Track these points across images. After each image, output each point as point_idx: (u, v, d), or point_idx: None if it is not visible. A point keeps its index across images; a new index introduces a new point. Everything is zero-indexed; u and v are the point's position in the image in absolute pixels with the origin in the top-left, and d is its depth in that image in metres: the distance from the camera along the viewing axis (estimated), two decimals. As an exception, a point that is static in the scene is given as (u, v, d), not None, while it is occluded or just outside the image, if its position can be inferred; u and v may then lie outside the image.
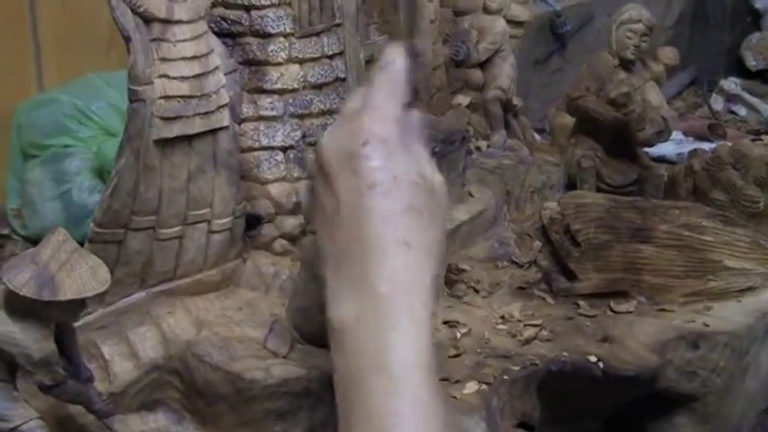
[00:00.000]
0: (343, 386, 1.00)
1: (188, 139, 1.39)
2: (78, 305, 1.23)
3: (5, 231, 2.03)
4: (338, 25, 1.58)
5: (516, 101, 2.07)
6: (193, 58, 1.38)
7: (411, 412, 0.93)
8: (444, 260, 1.01)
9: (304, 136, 1.56)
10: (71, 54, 2.24)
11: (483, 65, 2.02)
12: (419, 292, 0.98)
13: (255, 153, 1.55)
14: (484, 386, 1.38)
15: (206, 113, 1.40)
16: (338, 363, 1.01)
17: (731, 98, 3.35)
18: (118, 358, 1.40)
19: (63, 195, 1.96)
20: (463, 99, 2.00)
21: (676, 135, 2.66)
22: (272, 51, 1.52)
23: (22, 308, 1.20)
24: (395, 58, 1.06)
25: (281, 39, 1.53)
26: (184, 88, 1.37)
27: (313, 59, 1.56)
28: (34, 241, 1.81)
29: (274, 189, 1.56)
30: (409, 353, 0.95)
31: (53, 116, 2.05)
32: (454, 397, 1.35)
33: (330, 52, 1.57)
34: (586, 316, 1.57)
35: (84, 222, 1.74)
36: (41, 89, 2.24)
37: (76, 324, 1.32)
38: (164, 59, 1.36)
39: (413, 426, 0.93)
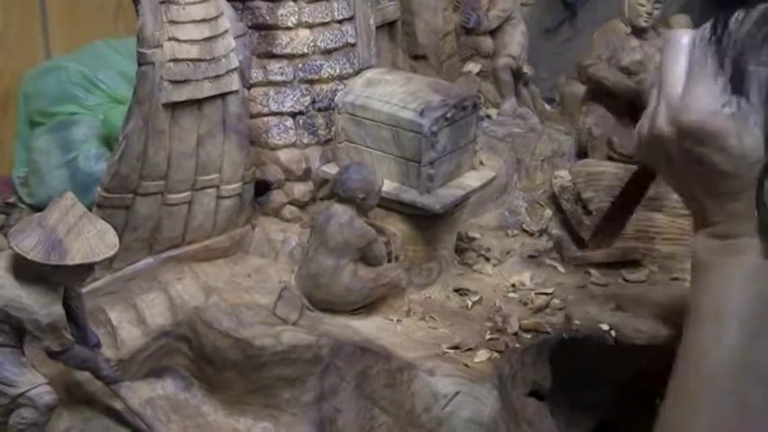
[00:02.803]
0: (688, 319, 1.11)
1: (197, 102, 1.38)
2: (86, 270, 1.22)
3: (12, 199, 2.02)
4: (348, -10, 1.57)
5: (527, 69, 2.05)
6: (203, 20, 1.36)
7: (727, 361, 1.03)
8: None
9: (313, 101, 1.55)
10: (78, 21, 2.23)
11: (493, 32, 2.00)
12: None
13: (265, 118, 1.53)
14: (495, 354, 1.37)
15: (215, 77, 1.38)
16: (689, 296, 1.12)
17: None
18: (126, 324, 1.39)
19: (70, 163, 1.95)
20: (473, 66, 1.97)
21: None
22: (281, 15, 1.50)
23: (29, 272, 1.20)
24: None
25: (291, 3, 1.51)
26: (194, 51, 1.36)
27: (323, 24, 1.54)
28: (41, 209, 1.80)
29: (284, 155, 1.54)
30: (742, 306, 1.03)
31: (60, 84, 2.04)
32: (466, 365, 1.34)
33: (340, 17, 1.55)
34: (598, 285, 1.56)
35: (90, 190, 1.73)
36: (48, 57, 2.23)
37: (84, 290, 1.32)
38: (173, 22, 1.34)
39: (726, 374, 1.03)
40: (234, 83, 1.40)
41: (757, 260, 1.03)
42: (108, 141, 1.93)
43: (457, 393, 1.31)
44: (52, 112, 2.03)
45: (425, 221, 1.50)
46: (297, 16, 1.51)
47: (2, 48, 2.18)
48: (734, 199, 1.03)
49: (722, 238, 1.06)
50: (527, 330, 1.43)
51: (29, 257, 1.17)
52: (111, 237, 1.22)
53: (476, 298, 1.50)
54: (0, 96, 2.19)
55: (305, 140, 1.55)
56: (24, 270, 1.20)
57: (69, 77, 2.04)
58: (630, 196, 1.43)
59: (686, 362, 1.08)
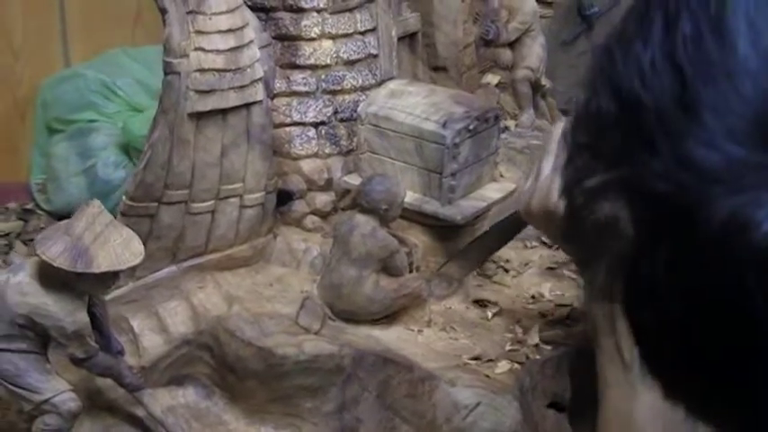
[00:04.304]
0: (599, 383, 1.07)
1: (222, 112, 1.39)
2: (112, 277, 1.23)
3: (30, 206, 2.03)
4: (371, 1, 1.57)
5: (545, 81, 2.05)
6: (229, 31, 1.37)
7: (647, 421, 0.99)
8: None
9: (336, 112, 1.55)
10: (97, 30, 2.23)
11: (512, 44, 2.00)
12: None
13: (287, 129, 1.54)
14: (516, 365, 1.38)
15: (240, 87, 1.39)
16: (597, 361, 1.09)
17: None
18: (148, 332, 1.40)
19: (88, 170, 1.96)
20: (492, 78, 1.98)
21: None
22: (305, 26, 1.51)
23: (55, 280, 1.20)
24: None
25: (315, 14, 1.51)
26: (219, 61, 1.36)
27: (346, 35, 1.54)
28: (58, 216, 1.81)
29: (306, 165, 1.55)
30: None
31: (79, 91, 2.05)
32: (487, 376, 1.35)
33: (363, 28, 1.56)
34: (617, 296, 1.56)
35: (108, 197, 1.74)
36: (67, 65, 2.23)
37: (107, 298, 1.32)
38: (199, 32, 1.35)
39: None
40: (258, 93, 1.41)
41: None
42: (127, 149, 1.94)
43: (478, 404, 1.31)
44: (71, 120, 2.03)
45: (447, 232, 1.51)
46: (320, 27, 1.52)
47: (21, 56, 2.19)
48: None
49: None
50: (547, 342, 1.43)
51: (55, 265, 1.18)
52: (137, 245, 1.23)
53: (496, 309, 1.50)
54: (19, 104, 2.20)
55: (327, 151, 1.56)
56: (50, 277, 1.21)
57: (88, 85, 2.05)
58: (498, 237, 1.48)
59: (606, 424, 1.11)
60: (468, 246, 1.51)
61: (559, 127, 1.14)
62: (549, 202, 1.09)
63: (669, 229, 0.54)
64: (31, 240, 1.81)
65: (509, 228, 1.45)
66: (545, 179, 1.12)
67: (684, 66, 0.54)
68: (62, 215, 1.68)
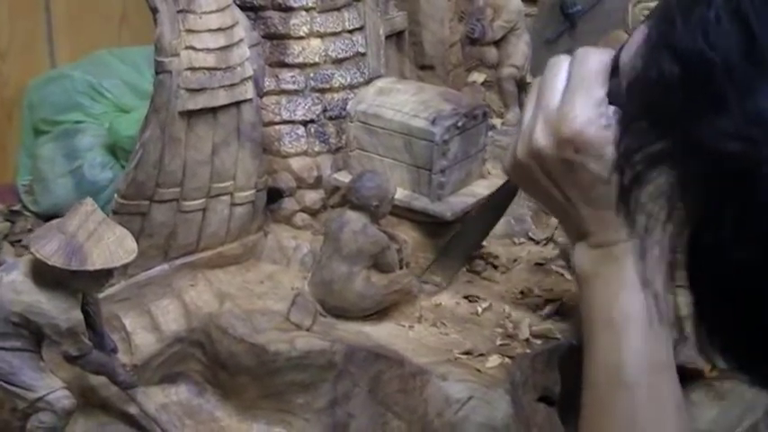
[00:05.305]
0: (584, 332, 1.09)
1: (212, 111, 1.39)
2: (105, 275, 1.23)
3: (17, 207, 2.02)
4: (359, 0, 1.58)
5: (530, 79, 2.06)
6: (219, 30, 1.38)
7: (633, 363, 1.02)
8: None
9: (324, 110, 1.56)
10: (83, 31, 2.23)
11: (498, 43, 2.01)
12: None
13: (277, 127, 1.55)
14: (507, 360, 1.39)
15: (230, 86, 1.39)
16: (581, 309, 1.10)
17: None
18: (140, 330, 1.40)
19: (74, 171, 1.96)
20: (478, 77, 1.99)
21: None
22: (293, 25, 1.52)
23: (49, 278, 1.21)
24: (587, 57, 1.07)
25: (303, 13, 1.53)
26: (210, 60, 1.37)
27: (334, 34, 1.56)
28: (46, 217, 1.81)
29: (296, 163, 1.56)
30: (633, 307, 1.02)
31: (65, 92, 2.05)
32: (478, 370, 1.36)
33: (351, 27, 1.57)
34: (605, 291, 1.57)
35: (95, 198, 1.73)
36: (53, 66, 2.23)
37: (99, 296, 1.33)
38: (190, 31, 1.36)
39: (634, 376, 1.02)
40: (248, 91, 1.42)
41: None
42: (113, 150, 1.94)
43: (470, 398, 1.32)
44: (57, 121, 2.03)
45: (436, 228, 1.52)
46: (309, 26, 1.53)
47: (7, 57, 2.19)
48: (609, 207, 1.05)
49: (600, 247, 1.07)
50: (537, 336, 1.44)
51: (49, 263, 1.18)
52: (130, 242, 1.24)
53: (485, 304, 1.51)
54: (5, 105, 2.20)
55: (316, 149, 1.57)
56: (44, 275, 1.21)
57: (74, 86, 2.05)
58: (490, 216, 1.49)
59: (592, 373, 1.10)
60: (448, 244, 1.52)
61: (536, 82, 1.14)
62: (533, 142, 1.08)
63: (735, 190, 0.53)
64: (19, 242, 1.82)
65: (487, 216, 1.46)
66: (526, 126, 1.11)
67: (752, 20, 0.53)
68: (49, 216, 1.68)
